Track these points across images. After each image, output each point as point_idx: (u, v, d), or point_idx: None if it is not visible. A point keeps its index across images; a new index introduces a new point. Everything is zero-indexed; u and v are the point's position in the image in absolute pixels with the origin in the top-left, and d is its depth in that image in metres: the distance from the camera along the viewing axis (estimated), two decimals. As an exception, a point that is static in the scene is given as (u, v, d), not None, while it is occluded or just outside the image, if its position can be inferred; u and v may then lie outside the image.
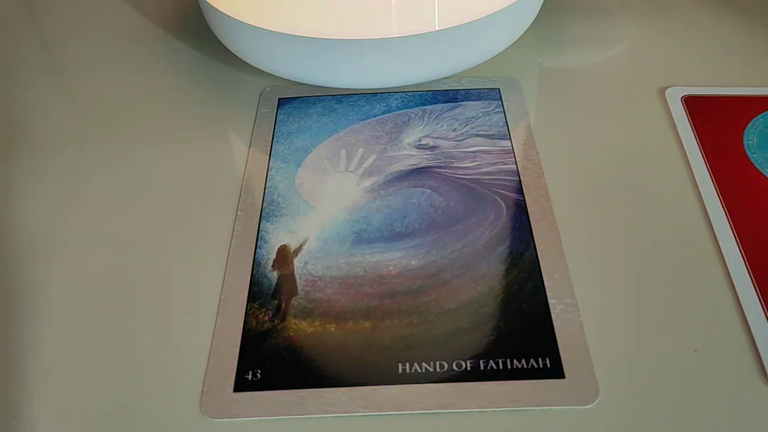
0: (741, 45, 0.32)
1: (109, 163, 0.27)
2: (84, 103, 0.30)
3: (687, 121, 0.28)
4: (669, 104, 0.29)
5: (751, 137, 0.27)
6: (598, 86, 0.30)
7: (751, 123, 0.27)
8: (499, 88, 0.29)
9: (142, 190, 0.26)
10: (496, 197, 0.25)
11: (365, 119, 0.28)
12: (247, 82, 0.30)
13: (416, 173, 0.26)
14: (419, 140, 0.27)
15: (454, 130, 0.27)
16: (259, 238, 0.24)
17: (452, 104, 0.29)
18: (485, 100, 0.29)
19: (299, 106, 0.29)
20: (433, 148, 0.27)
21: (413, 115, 0.28)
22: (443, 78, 0.30)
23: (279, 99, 0.30)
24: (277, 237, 0.24)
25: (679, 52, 0.32)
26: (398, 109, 0.29)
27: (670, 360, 0.20)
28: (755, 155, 0.26)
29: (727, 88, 0.29)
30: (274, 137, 0.28)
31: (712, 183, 0.25)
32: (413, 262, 0.23)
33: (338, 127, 0.28)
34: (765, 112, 0.28)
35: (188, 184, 0.26)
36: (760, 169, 0.26)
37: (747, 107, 0.28)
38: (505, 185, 0.25)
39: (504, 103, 0.29)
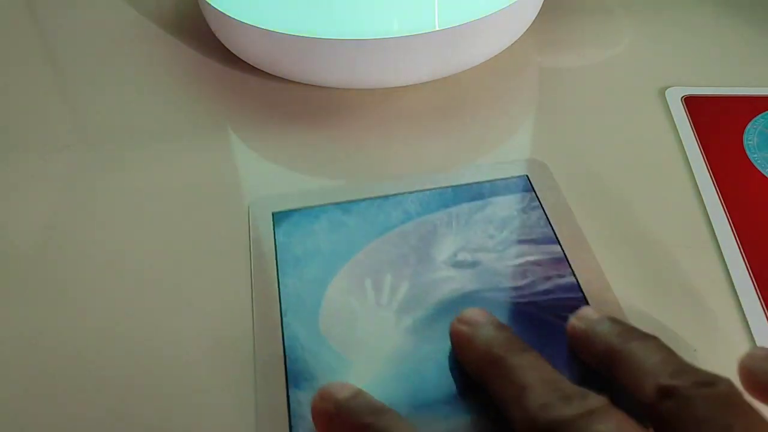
0: (741, 45, 0.32)
1: (108, 163, 0.27)
2: (84, 103, 0.30)
3: (687, 121, 0.28)
4: (669, 104, 0.29)
5: (751, 137, 0.27)
6: (598, 86, 0.30)
7: (751, 123, 0.27)
8: (527, 175, 0.25)
9: (141, 190, 0.26)
10: (560, 321, 0.20)
11: (383, 233, 0.23)
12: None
13: (462, 301, 0.21)
14: (455, 255, 0.23)
15: (491, 237, 0.23)
16: (291, 413, 0.19)
17: (479, 202, 0.24)
18: (515, 192, 0.25)
19: (300, 222, 0.24)
20: (473, 264, 0.22)
21: (438, 222, 0.24)
22: (458, 166, 0.26)
23: (273, 214, 0.24)
24: None
25: (679, 52, 0.32)
26: (418, 215, 0.24)
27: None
28: (755, 155, 0.26)
29: (727, 88, 0.29)
30: (279, 268, 0.23)
31: (712, 183, 0.25)
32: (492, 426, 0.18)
33: (353, 247, 0.23)
34: (765, 112, 0.28)
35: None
36: (760, 169, 0.26)
37: (747, 107, 0.28)
38: (568, 305, 0.21)
39: (538, 194, 0.24)
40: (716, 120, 0.28)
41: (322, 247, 0.23)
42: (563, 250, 0.23)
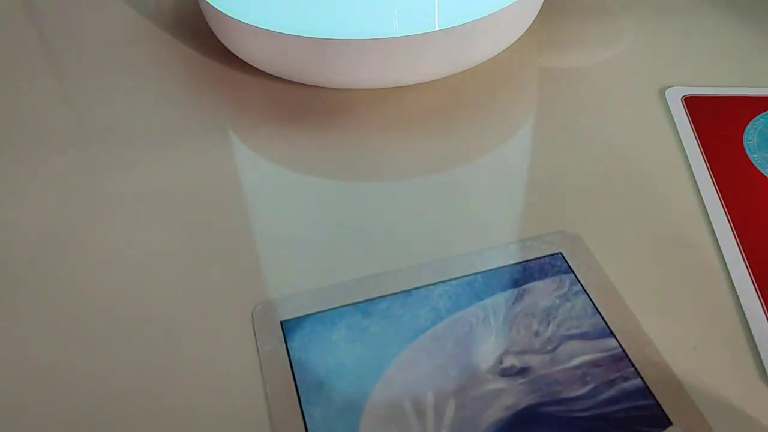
0: (741, 45, 0.32)
1: (108, 164, 0.27)
2: (84, 103, 0.30)
3: (687, 121, 0.28)
4: (669, 104, 0.29)
5: (751, 137, 0.27)
6: (598, 86, 0.30)
7: (751, 123, 0.27)
8: (561, 253, 0.23)
9: (142, 191, 0.26)
10: None
11: (413, 338, 0.20)
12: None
13: (520, 421, 0.19)
14: (500, 362, 0.20)
15: (537, 335, 0.20)
16: None
17: (515, 291, 0.22)
18: (552, 276, 0.22)
19: (315, 331, 0.21)
20: (523, 371, 0.20)
21: (474, 320, 0.21)
22: (485, 249, 0.23)
23: (282, 323, 0.21)
24: None
25: (679, 52, 0.32)
26: (449, 311, 0.21)
27: (670, 360, 0.20)
28: (755, 155, 0.26)
29: (727, 88, 0.29)
30: (301, 396, 0.19)
31: (712, 183, 0.25)
32: None
33: (382, 359, 0.20)
34: (765, 112, 0.28)
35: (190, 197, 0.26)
36: (760, 169, 0.26)
37: (747, 107, 0.28)
38: (642, 416, 0.19)
39: (578, 276, 0.22)
40: (716, 120, 0.28)
41: (347, 363, 0.20)
42: (620, 344, 0.20)
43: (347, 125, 0.28)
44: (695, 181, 0.25)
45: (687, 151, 0.26)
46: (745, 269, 0.22)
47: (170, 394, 0.20)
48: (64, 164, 0.27)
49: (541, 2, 0.31)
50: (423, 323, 0.21)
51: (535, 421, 0.18)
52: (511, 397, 0.19)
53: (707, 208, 0.24)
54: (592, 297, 0.21)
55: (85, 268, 0.23)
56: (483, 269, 0.22)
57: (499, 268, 0.22)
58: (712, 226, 0.24)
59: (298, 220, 0.25)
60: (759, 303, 0.21)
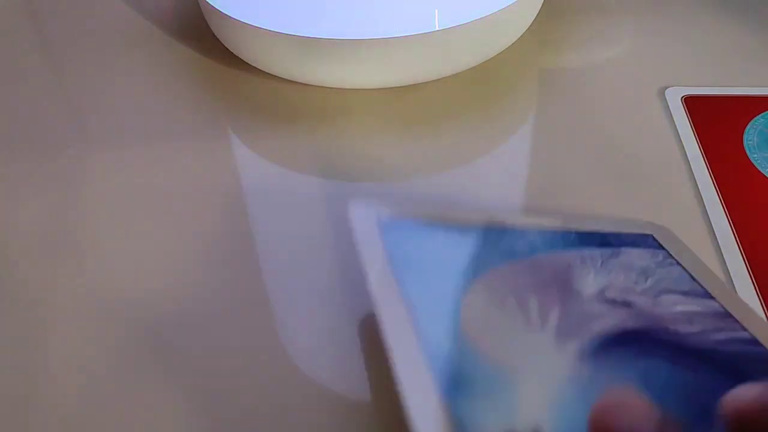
0: (741, 45, 0.32)
1: (108, 164, 0.27)
2: (84, 103, 0.30)
3: (687, 121, 0.28)
4: (669, 104, 0.29)
5: (751, 137, 0.27)
6: (598, 86, 0.30)
7: (751, 123, 0.27)
8: (652, 235, 0.22)
9: (142, 192, 0.26)
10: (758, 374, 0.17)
11: (510, 258, 0.19)
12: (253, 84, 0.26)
13: (630, 338, 0.17)
14: (602, 293, 0.19)
15: (636, 283, 0.19)
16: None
17: (610, 250, 0.21)
18: (645, 248, 0.21)
19: (409, 233, 0.20)
20: (626, 304, 0.19)
21: (572, 262, 0.20)
22: (572, 224, 0.22)
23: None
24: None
25: (679, 52, 0.32)
26: (545, 249, 0.20)
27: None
28: (755, 155, 0.26)
29: (727, 88, 0.29)
30: (394, 270, 0.18)
31: (712, 183, 0.25)
32: None
33: (482, 265, 0.19)
34: (765, 112, 0.28)
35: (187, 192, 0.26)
36: (760, 169, 0.26)
37: (747, 107, 0.28)
38: (752, 358, 0.17)
39: (673, 253, 0.21)
40: (716, 120, 0.28)
41: (447, 261, 0.18)
42: (724, 308, 0.19)
43: (347, 125, 0.28)
44: (695, 181, 0.25)
45: (687, 151, 0.26)
46: (745, 269, 0.22)
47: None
48: (64, 164, 0.27)
49: (541, 2, 0.31)
50: (520, 249, 0.20)
51: (642, 342, 0.17)
52: (615, 319, 0.18)
53: (707, 208, 0.24)
54: (688, 269, 0.20)
55: (85, 268, 0.24)
56: (576, 229, 0.21)
57: (593, 232, 0.21)
58: (712, 226, 0.24)
59: (299, 223, 0.25)
60: (759, 303, 0.21)
